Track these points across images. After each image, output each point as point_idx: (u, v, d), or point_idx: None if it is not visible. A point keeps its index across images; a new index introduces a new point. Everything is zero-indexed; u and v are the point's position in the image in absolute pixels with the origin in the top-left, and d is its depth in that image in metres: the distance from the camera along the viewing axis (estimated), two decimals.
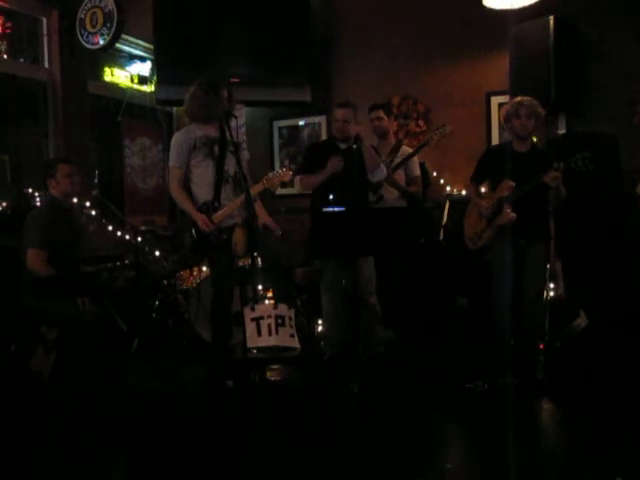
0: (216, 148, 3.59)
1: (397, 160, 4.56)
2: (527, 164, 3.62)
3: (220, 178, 3.56)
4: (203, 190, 3.61)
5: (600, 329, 3.97)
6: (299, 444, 2.95)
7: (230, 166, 3.58)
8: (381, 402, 3.45)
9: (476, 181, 3.90)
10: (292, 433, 3.08)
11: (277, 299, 4.13)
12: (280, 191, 6.15)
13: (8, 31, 4.64)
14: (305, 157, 4.32)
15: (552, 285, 4.24)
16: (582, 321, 4.03)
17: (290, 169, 3.59)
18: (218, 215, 3.54)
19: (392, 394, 3.58)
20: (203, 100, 3.58)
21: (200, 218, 3.51)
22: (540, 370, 3.72)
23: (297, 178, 4.07)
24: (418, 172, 4.68)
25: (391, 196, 4.47)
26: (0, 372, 3.55)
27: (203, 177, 3.61)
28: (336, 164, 3.83)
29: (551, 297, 4.18)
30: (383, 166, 4.04)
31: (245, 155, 3.79)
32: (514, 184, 3.59)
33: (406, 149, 4.74)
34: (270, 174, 3.58)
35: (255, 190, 3.55)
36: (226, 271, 3.59)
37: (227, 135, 3.42)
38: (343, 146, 4.02)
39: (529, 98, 3.67)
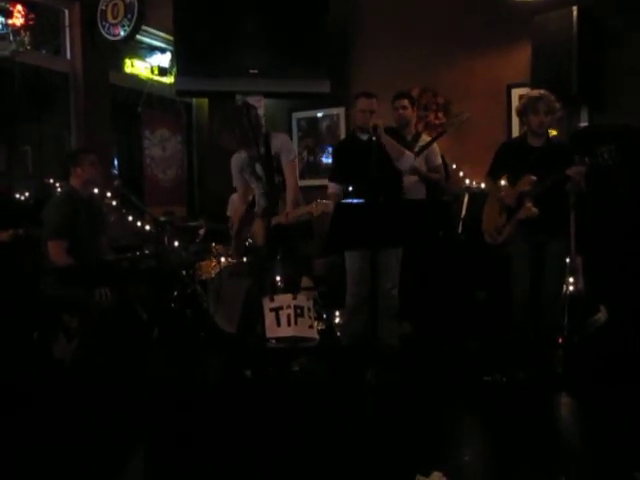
0: (257, 166, 3.81)
1: (416, 149, 4.54)
2: (543, 158, 3.59)
3: (272, 193, 3.74)
4: (256, 203, 3.96)
5: (620, 324, 3.94)
6: (315, 434, 2.97)
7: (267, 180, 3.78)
8: (399, 394, 3.45)
9: (493, 176, 3.88)
10: (308, 424, 3.10)
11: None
12: (299, 182, 6.17)
13: (31, 23, 4.67)
14: (333, 161, 4.38)
15: (572, 279, 4.20)
16: (602, 316, 4.00)
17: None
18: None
19: (410, 386, 3.58)
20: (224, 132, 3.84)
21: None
22: (559, 364, 3.70)
23: (330, 185, 4.16)
24: (440, 161, 4.66)
25: (409, 180, 4.36)
26: (23, 359, 3.63)
27: (256, 192, 3.95)
28: None
29: (571, 292, 4.15)
30: (408, 152, 3.96)
31: (287, 157, 3.86)
32: (535, 178, 3.56)
33: (426, 138, 4.72)
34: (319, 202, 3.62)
35: (302, 212, 3.67)
36: (256, 266, 3.72)
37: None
38: (364, 137, 4.01)
39: (547, 92, 3.62)
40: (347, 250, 3.98)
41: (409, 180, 4.43)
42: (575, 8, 4.54)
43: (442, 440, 2.95)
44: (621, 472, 2.55)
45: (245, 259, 4.23)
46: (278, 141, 3.88)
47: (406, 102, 4.64)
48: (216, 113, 3.97)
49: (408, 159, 3.95)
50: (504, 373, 3.58)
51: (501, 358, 3.76)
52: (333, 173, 4.22)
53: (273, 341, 3.53)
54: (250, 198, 4.06)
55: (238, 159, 3.95)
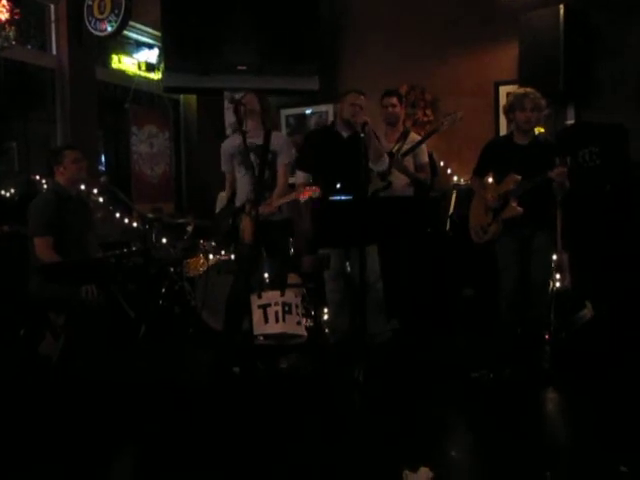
0: (252, 155, 3.80)
1: (406, 147, 4.55)
2: (529, 156, 3.61)
3: (259, 184, 3.68)
4: (240, 192, 3.98)
5: (606, 320, 3.97)
6: (303, 432, 2.97)
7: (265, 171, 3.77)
8: (386, 391, 3.47)
9: (479, 174, 3.89)
10: (297, 421, 3.10)
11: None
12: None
13: (16, 17, 4.62)
14: (304, 147, 4.30)
15: (558, 276, 4.23)
16: (588, 312, 4.03)
17: (319, 187, 3.64)
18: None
19: (397, 383, 3.60)
20: (229, 113, 3.98)
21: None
22: (546, 360, 3.72)
23: (299, 174, 4.16)
24: (427, 159, 4.67)
25: (400, 183, 4.46)
26: (10, 357, 3.60)
27: (240, 181, 3.98)
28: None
29: (557, 288, 4.18)
30: (386, 156, 4.06)
31: (284, 159, 3.95)
32: (520, 178, 3.58)
33: (414, 136, 4.73)
34: (303, 188, 3.73)
35: (288, 198, 3.78)
36: (241, 262, 3.75)
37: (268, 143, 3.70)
38: (346, 134, 4.01)
39: (533, 90, 3.64)
40: (336, 247, 3.98)
41: (400, 183, 4.45)
42: (562, 6, 4.58)
43: (430, 436, 2.96)
44: (607, 466, 2.57)
45: (232, 255, 4.22)
46: (279, 140, 3.94)
47: (395, 100, 4.64)
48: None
49: (384, 162, 4.05)
50: (491, 369, 3.60)
51: (488, 354, 3.78)
52: (303, 161, 4.13)
53: (261, 338, 3.53)
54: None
55: (231, 143, 3.99)
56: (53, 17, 5.16)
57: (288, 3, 5.61)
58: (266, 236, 3.64)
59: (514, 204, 3.60)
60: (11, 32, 4.55)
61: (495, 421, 3.09)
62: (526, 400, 3.35)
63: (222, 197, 4.47)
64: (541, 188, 3.57)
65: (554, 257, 3.99)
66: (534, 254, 3.69)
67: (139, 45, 5.97)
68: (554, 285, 4.12)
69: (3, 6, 4.46)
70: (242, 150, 3.81)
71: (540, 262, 3.71)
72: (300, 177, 4.14)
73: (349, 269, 4.10)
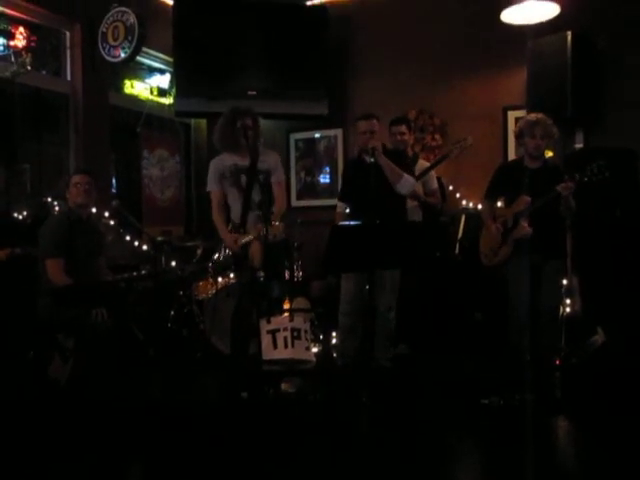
0: (243, 177, 3.79)
1: (415, 174, 4.56)
2: (539, 179, 3.62)
3: (246, 205, 3.75)
4: (233, 214, 3.90)
5: (617, 346, 3.93)
6: (310, 457, 2.95)
7: (256, 194, 3.71)
8: (395, 417, 3.44)
9: (489, 199, 3.90)
10: (303, 446, 3.07)
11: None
12: (296, 203, 6.21)
13: (32, 44, 4.73)
14: (342, 179, 4.39)
15: (569, 301, 4.21)
16: (599, 338, 4.00)
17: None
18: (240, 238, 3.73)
19: (406, 409, 3.57)
20: (224, 130, 3.81)
21: (227, 239, 3.81)
22: (556, 387, 3.69)
23: (338, 204, 4.29)
24: (436, 185, 4.68)
25: (408, 207, 4.45)
26: (19, 380, 3.60)
27: (232, 202, 3.89)
28: None
29: (568, 313, 4.15)
30: (407, 176, 3.95)
31: (278, 177, 3.89)
32: (530, 199, 3.59)
33: (423, 163, 4.75)
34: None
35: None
36: (247, 285, 3.70)
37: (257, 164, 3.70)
38: (368, 159, 4.04)
39: (544, 117, 3.65)
40: (344, 272, 3.98)
41: (409, 204, 4.45)
42: (569, 32, 4.61)
43: (438, 463, 2.92)
44: None
45: (239, 278, 4.21)
46: (271, 158, 3.87)
47: (403, 128, 4.66)
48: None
49: (406, 183, 3.92)
50: (501, 395, 3.56)
51: (498, 380, 3.75)
52: (342, 192, 4.29)
53: (268, 365, 3.51)
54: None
55: (221, 163, 3.87)
56: (68, 43, 5.26)
57: (297, 29, 5.71)
58: (268, 259, 3.61)
59: (524, 224, 3.60)
60: (27, 58, 4.65)
61: (505, 449, 3.05)
62: (536, 427, 3.31)
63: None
64: (551, 214, 3.57)
65: (564, 282, 3.97)
66: (544, 280, 3.67)
67: (151, 70, 6.06)
68: (564, 310, 4.10)
69: (20, 33, 4.56)
70: (234, 171, 3.80)
71: (550, 287, 3.69)
72: (338, 207, 4.29)
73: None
